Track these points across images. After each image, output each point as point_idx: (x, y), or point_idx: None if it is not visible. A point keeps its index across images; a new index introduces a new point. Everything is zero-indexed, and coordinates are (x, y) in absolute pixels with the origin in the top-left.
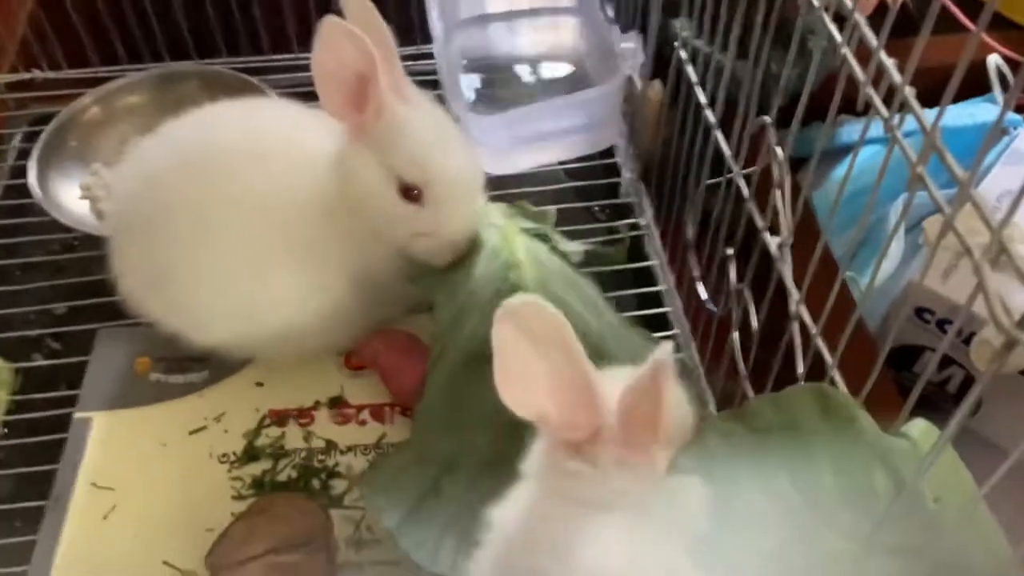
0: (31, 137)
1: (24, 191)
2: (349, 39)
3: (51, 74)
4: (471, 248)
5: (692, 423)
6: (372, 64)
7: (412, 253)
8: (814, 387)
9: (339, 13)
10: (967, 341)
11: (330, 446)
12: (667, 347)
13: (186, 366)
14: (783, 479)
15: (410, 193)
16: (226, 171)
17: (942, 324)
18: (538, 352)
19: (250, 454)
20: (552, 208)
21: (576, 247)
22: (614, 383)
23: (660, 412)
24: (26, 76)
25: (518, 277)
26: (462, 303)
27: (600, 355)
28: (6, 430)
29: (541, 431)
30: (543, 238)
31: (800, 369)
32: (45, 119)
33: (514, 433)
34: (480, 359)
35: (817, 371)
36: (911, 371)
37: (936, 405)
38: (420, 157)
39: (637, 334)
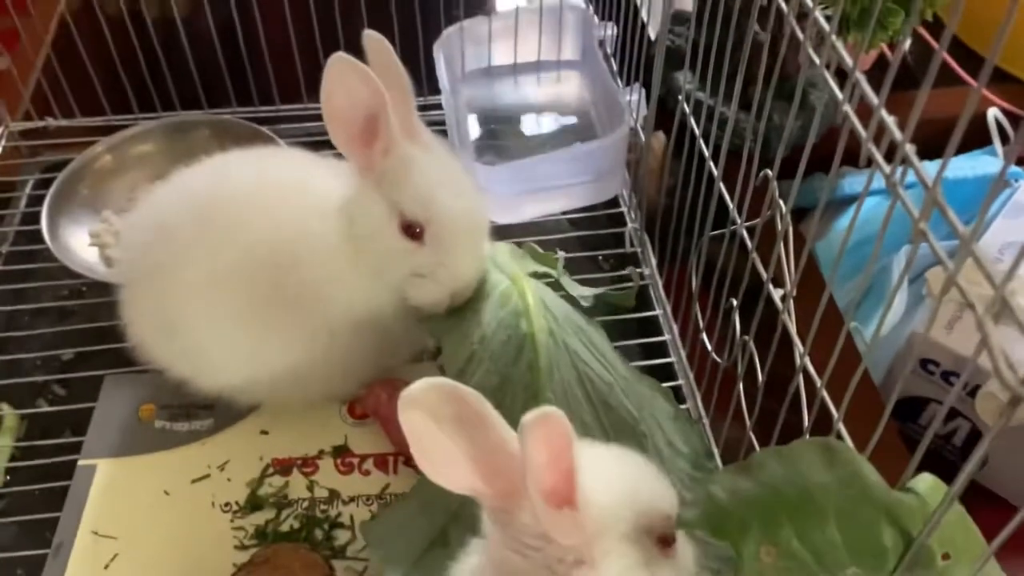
0: (43, 184)
1: (35, 237)
2: (358, 76)
3: (64, 122)
4: (478, 293)
5: None
6: (382, 101)
7: (411, 297)
8: (819, 441)
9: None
10: (972, 393)
11: (333, 496)
12: (540, 411)
13: (191, 414)
14: (789, 533)
15: (411, 230)
16: (236, 220)
17: (947, 376)
18: (448, 432)
19: (253, 503)
20: (561, 253)
21: (586, 291)
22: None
23: (561, 460)
24: (40, 124)
25: (528, 325)
26: (472, 351)
27: (607, 403)
28: (8, 477)
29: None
30: (553, 285)
31: (806, 422)
32: (58, 166)
33: None
34: None
35: (823, 422)
36: (916, 422)
37: (942, 456)
38: (424, 193)
39: (646, 384)
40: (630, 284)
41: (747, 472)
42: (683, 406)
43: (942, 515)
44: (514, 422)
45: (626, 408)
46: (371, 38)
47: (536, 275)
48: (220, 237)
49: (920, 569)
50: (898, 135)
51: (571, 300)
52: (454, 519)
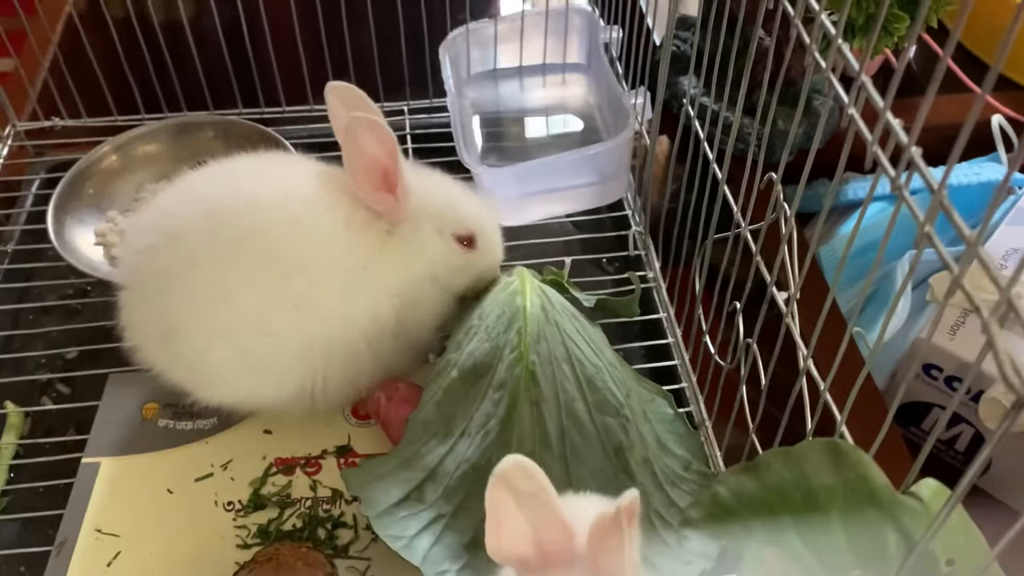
0: (49, 184)
1: (41, 236)
2: (373, 132)
3: (70, 122)
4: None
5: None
6: (395, 148)
7: (466, 290)
8: (827, 442)
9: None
10: (976, 399)
11: (336, 495)
12: (633, 492)
13: (194, 413)
14: (793, 535)
15: (466, 242)
16: (252, 228)
17: (950, 381)
18: (523, 507)
19: (256, 502)
20: (566, 260)
21: (588, 297)
22: (583, 510)
23: (625, 547)
24: (46, 124)
25: (522, 300)
26: (471, 325)
27: (593, 383)
28: (12, 475)
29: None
30: (558, 286)
31: (809, 425)
32: (64, 166)
33: (500, 442)
34: (476, 374)
35: (825, 426)
36: (919, 427)
37: (944, 462)
38: (460, 211)
39: (646, 386)
40: (632, 288)
41: (752, 473)
42: (686, 409)
43: (945, 518)
44: (501, 383)
45: (611, 391)
46: (335, 90)
47: (544, 282)
48: (233, 245)
49: (923, 573)
50: (904, 138)
51: (573, 300)
52: (431, 476)
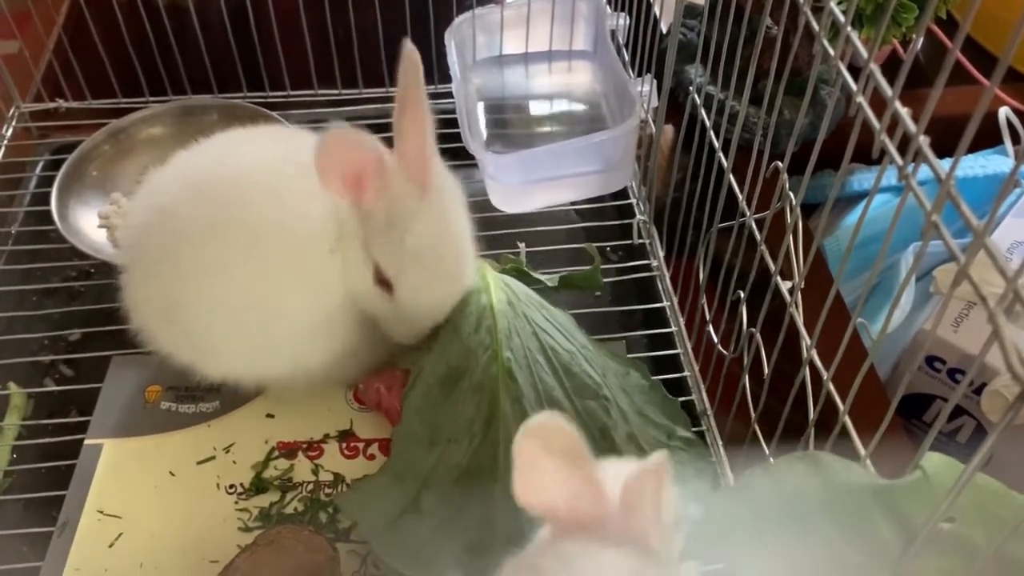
0: (54, 165)
1: (44, 218)
2: (349, 145)
3: (75, 104)
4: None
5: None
6: (371, 161)
7: (383, 328)
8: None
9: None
10: (978, 391)
11: (338, 479)
12: (661, 454)
13: (197, 396)
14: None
15: (383, 281)
16: (240, 200)
17: (953, 373)
18: (554, 462)
19: (258, 486)
20: (522, 246)
21: (548, 277)
22: (615, 472)
23: (657, 505)
24: (51, 105)
25: (487, 298)
26: (439, 327)
27: (570, 370)
28: (15, 456)
29: (547, 522)
30: (519, 273)
31: (811, 415)
32: (68, 148)
33: (486, 443)
34: (453, 377)
35: (827, 417)
36: (921, 419)
37: (946, 454)
38: (394, 261)
39: (609, 355)
40: (631, 267)
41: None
42: (688, 398)
43: (955, 497)
44: (480, 384)
45: (588, 374)
46: (410, 55)
47: (504, 271)
48: (224, 218)
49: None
50: (912, 126)
51: (540, 288)
52: (425, 486)
